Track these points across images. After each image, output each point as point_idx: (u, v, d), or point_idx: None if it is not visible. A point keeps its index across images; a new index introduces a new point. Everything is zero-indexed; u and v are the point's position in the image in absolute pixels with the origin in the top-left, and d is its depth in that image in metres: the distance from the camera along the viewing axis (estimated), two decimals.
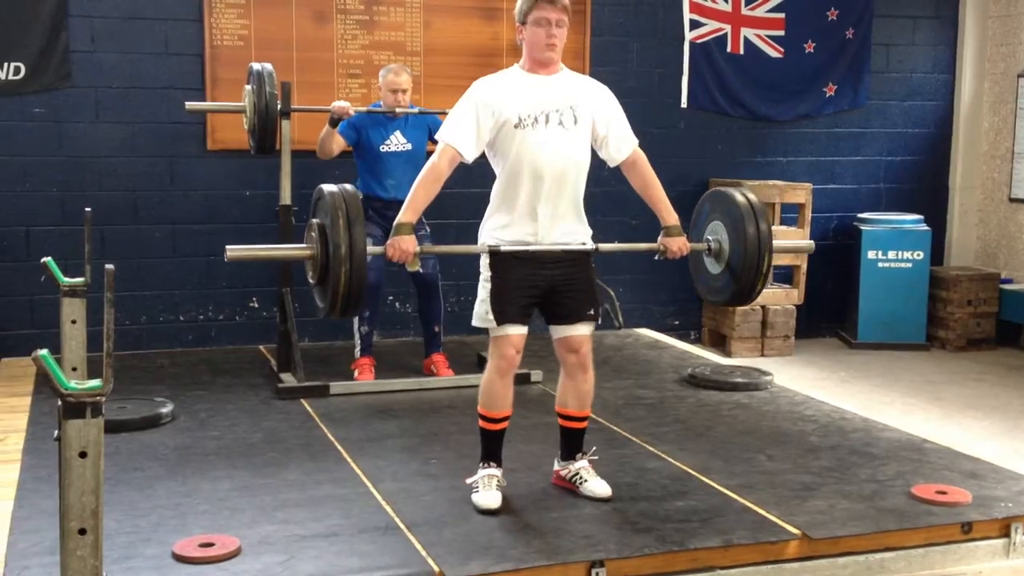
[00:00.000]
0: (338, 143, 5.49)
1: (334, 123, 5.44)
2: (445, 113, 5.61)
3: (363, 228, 3.32)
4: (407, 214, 3.53)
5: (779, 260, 7.61)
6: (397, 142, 5.52)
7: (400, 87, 5.50)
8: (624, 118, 3.78)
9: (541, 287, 3.62)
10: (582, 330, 3.69)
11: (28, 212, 6.31)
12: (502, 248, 3.58)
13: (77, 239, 4.49)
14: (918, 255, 7.76)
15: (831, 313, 8.09)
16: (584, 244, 3.68)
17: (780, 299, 7.58)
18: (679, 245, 3.79)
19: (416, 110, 5.64)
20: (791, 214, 7.71)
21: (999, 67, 8.20)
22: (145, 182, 6.50)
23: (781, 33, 7.76)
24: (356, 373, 5.50)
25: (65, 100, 6.32)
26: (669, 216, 3.80)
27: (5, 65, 6.16)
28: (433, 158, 3.59)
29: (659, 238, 3.82)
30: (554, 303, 3.67)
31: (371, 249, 3.40)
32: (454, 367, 5.63)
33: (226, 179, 6.61)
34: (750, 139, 7.82)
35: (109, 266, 2.37)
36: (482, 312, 3.60)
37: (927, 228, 7.83)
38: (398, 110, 5.49)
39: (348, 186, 3.49)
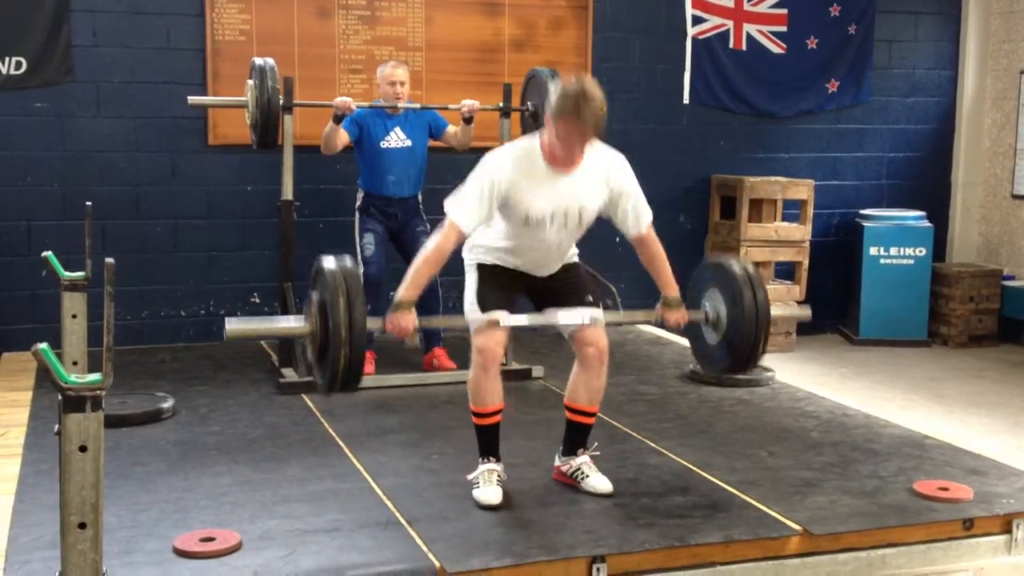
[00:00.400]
0: (342, 139, 5.49)
1: (338, 120, 5.44)
2: (445, 108, 5.66)
3: (363, 307, 3.27)
4: (408, 291, 3.48)
5: (781, 256, 7.61)
6: (397, 138, 5.53)
7: (398, 79, 5.52)
8: (639, 196, 3.70)
9: (529, 286, 3.74)
10: (589, 320, 3.69)
11: (29, 207, 6.30)
12: (488, 263, 3.68)
13: (78, 234, 4.49)
14: (920, 251, 7.75)
15: (833, 309, 8.08)
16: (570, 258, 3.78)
17: (782, 295, 7.57)
18: (677, 317, 3.77)
19: (417, 106, 5.64)
20: (793, 210, 7.70)
21: (1002, 63, 8.19)
22: (147, 177, 6.50)
23: (783, 29, 7.75)
24: None
25: (67, 95, 6.31)
26: (670, 289, 3.78)
27: (7, 59, 6.16)
28: (439, 237, 3.52)
29: (657, 307, 3.80)
30: (547, 295, 3.74)
31: (371, 323, 3.35)
32: (456, 361, 5.62)
33: (227, 174, 6.61)
34: (752, 135, 7.81)
35: (109, 260, 2.37)
36: (468, 306, 3.67)
37: (929, 224, 7.82)
38: (399, 104, 5.49)
39: (348, 261, 3.39)
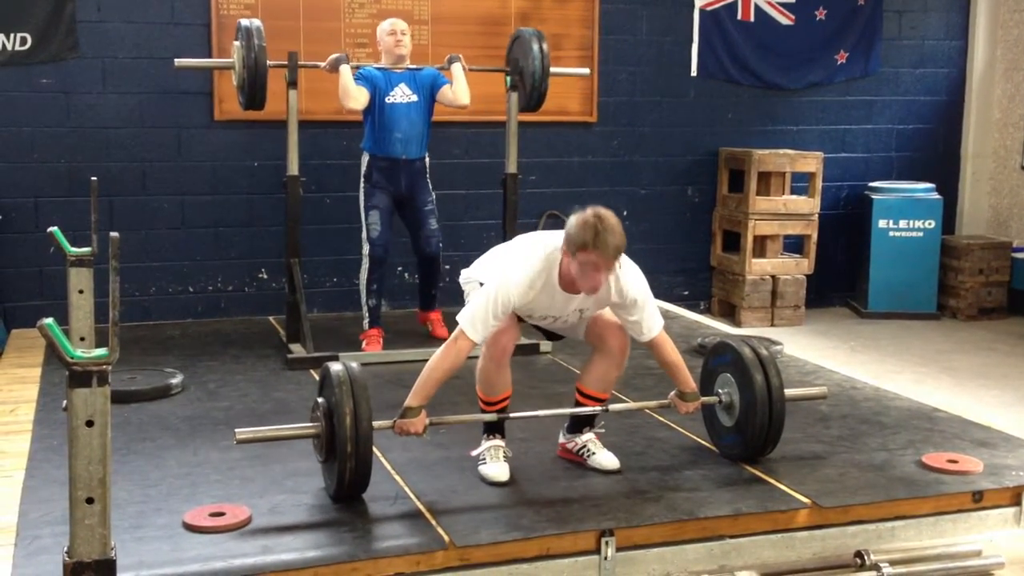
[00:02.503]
0: (360, 91, 5.39)
1: (333, 67, 5.40)
2: (446, 68, 5.60)
3: (369, 415, 3.29)
4: (417, 399, 3.50)
5: (789, 229, 7.58)
6: (402, 93, 5.49)
7: (398, 28, 5.53)
8: (648, 305, 3.61)
9: None
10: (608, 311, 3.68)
11: (36, 183, 6.30)
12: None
13: (85, 210, 4.48)
14: (929, 224, 7.71)
15: (841, 282, 8.07)
16: None
17: (790, 268, 7.55)
18: (689, 408, 3.77)
19: (417, 67, 5.61)
20: (802, 183, 7.67)
21: (1012, 33, 8.11)
22: (153, 153, 6.49)
23: (792, 0, 7.68)
24: (364, 344, 5.51)
25: (72, 70, 6.29)
26: (686, 386, 3.75)
27: (11, 35, 6.14)
28: (452, 351, 3.47)
29: (671, 396, 3.79)
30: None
31: (377, 425, 3.35)
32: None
33: (234, 150, 6.59)
34: (761, 107, 7.77)
35: (114, 234, 2.36)
36: (477, 294, 3.63)
37: (938, 197, 7.78)
38: (402, 52, 5.49)
39: (354, 366, 3.42)
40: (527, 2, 7.01)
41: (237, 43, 5.32)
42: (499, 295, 3.44)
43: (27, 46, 6.18)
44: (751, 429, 3.69)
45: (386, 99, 5.45)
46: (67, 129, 6.32)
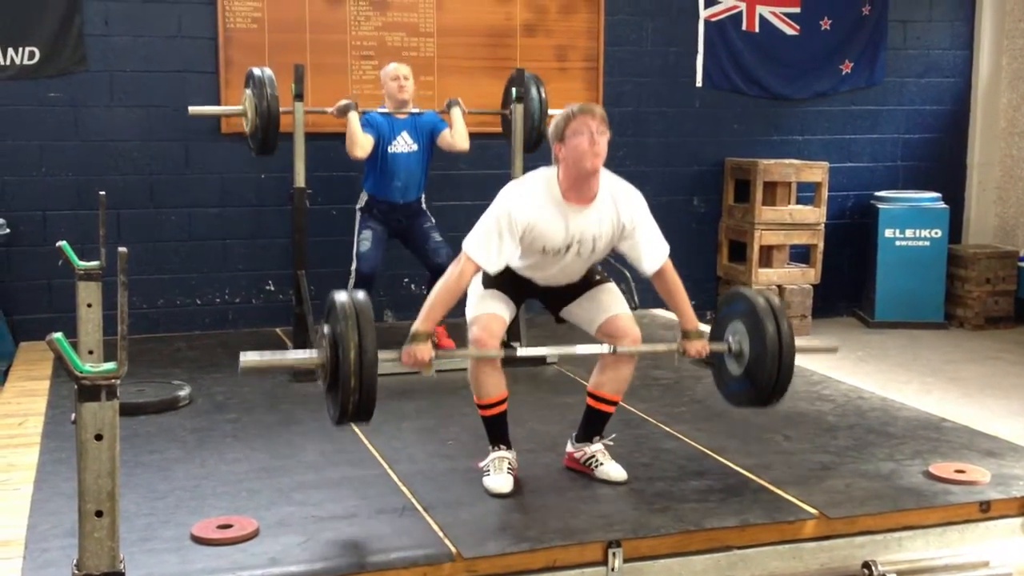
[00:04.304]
0: (367, 138, 5.48)
1: (342, 113, 5.50)
2: (445, 112, 5.66)
3: (375, 337, 3.26)
4: (424, 324, 3.49)
5: (795, 239, 7.58)
6: (404, 143, 5.59)
7: (401, 74, 5.62)
8: (653, 230, 3.66)
9: (537, 290, 3.74)
10: (617, 307, 3.67)
11: (44, 196, 6.33)
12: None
13: (93, 223, 4.50)
14: (936, 233, 7.71)
15: (848, 292, 8.06)
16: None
17: (797, 278, 7.55)
18: (699, 348, 3.72)
19: (418, 110, 5.68)
20: (807, 193, 7.67)
21: (1017, 43, 8.12)
22: (160, 166, 6.52)
23: (797, 10, 7.70)
24: None
25: (80, 84, 6.32)
26: (690, 323, 3.73)
27: (20, 49, 6.17)
28: (455, 270, 3.52)
29: (679, 340, 3.75)
30: (559, 298, 3.73)
31: (383, 356, 3.34)
32: (455, 340, 5.63)
33: (241, 162, 6.61)
34: (766, 118, 7.78)
35: (122, 249, 2.37)
36: (471, 294, 3.69)
37: (945, 206, 7.78)
38: (405, 97, 5.56)
39: (361, 294, 3.40)
40: (532, 14, 7.03)
41: (248, 91, 5.41)
42: (502, 213, 3.48)
43: (35, 60, 6.21)
44: (760, 378, 3.62)
45: (388, 148, 5.56)
46: (75, 143, 6.35)
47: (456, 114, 5.62)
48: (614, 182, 3.63)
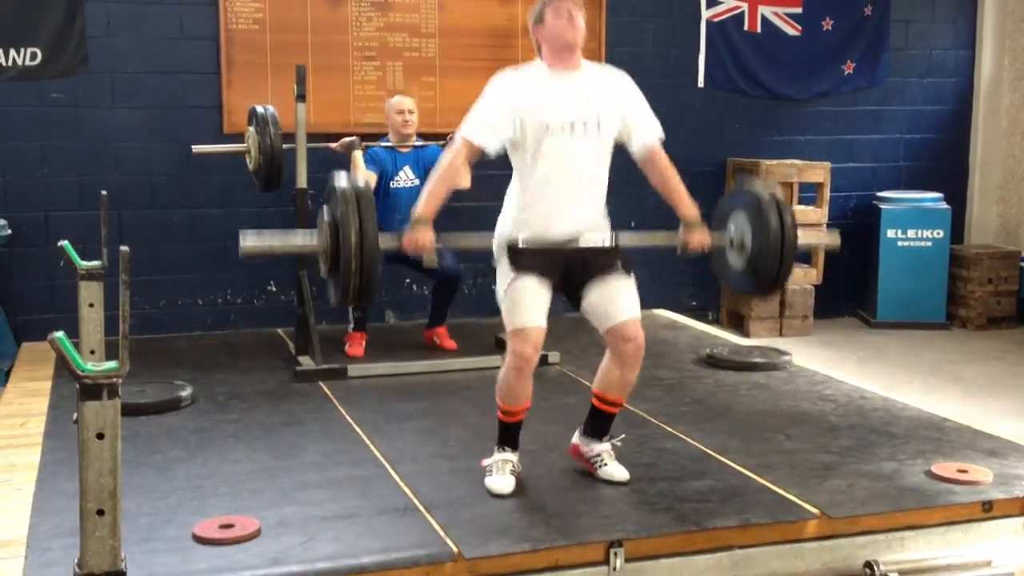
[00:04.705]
0: (370, 179, 5.52)
1: (345, 150, 5.63)
2: (446, 144, 5.67)
3: (375, 220, 3.27)
4: (425, 207, 3.48)
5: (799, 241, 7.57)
6: (406, 177, 5.64)
7: (405, 107, 5.67)
8: (647, 109, 3.71)
9: (561, 271, 3.57)
10: (629, 306, 3.58)
11: (46, 197, 6.34)
12: (521, 245, 3.52)
13: (95, 224, 4.50)
14: (938, 233, 7.71)
15: (850, 293, 8.06)
16: (604, 242, 3.61)
17: (798, 278, 7.54)
18: (700, 238, 3.70)
19: (421, 143, 5.71)
20: (810, 193, 7.67)
21: (1020, 43, 8.12)
22: (162, 166, 6.52)
23: (799, 11, 7.70)
24: (347, 346, 5.62)
25: (82, 85, 6.33)
26: (688, 211, 3.71)
27: (22, 51, 6.18)
28: (450, 152, 3.55)
29: (679, 232, 3.72)
30: (575, 272, 3.59)
31: (386, 240, 3.35)
32: (473, 349, 5.64)
33: (242, 163, 6.59)
34: (768, 118, 7.78)
35: (124, 248, 2.37)
36: (502, 300, 3.57)
37: (947, 206, 7.78)
38: (408, 131, 5.63)
39: (360, 179, 3.44)
40: None
41: (251, 128, 5.48)
42: (490, 88, 3.54)
43: (37, 61, 6.22)
44: (762, 271, 3.63)
45: (391, 183, 5.61)
46: (77, 143, 6.36)
47: None
48: (601, 65, 3.75)
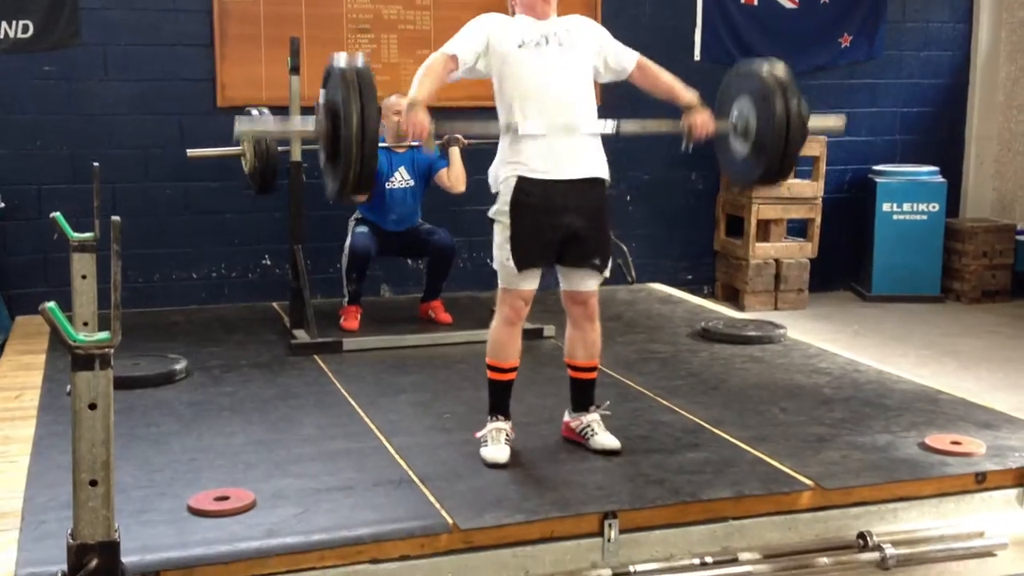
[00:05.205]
0: None
1: None
2: (444, 144, 5.66)
3: (376, 105, 3.18)
4: (420, 91, 3.47)
5: (793, 213, 7.56)
6: (401, 178, 5.62)
7: (403, 108, 5.57)
8: (618, 42, 3.79)
9: (558, 235, 3.58)
10: (589, 284, 3.68)
11: (39, 170, 6.31)
12: (520, 173, 3.53)
13: (88, 197, 4.48)
14: (933, 207, 7.70)
15: (845, 266, 8.05)
16: (602, 173, 3.65)
17: (794, 252, 7.54)
18: (703, 120, 3.68)
19: (418, 143, 5.67)
20: (806, 167, 7.65)
21: (1017, 16, 8.08)
22: (156, 139, 6.49)
23: None
24: (342, 319, 5.61)
25: (74, 58, 6.29)
26: (686, 95, 3.75)
27: (14, 23, 6.13)
28: (429, 60, 3.58)
29: (682, 119, 3.71)
30: (567, 248, 3.62)
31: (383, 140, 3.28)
32: (468, 323, 5.64)
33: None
34: None
35: (115, 218, 2.36)
36: (503, 258, 3.60)
37: (943, 180, 7.76)
38: (403, 133, 5.53)
39: (360, 60, 3.27)
40: None
41: None
42: (475, 20, 3.63)
43: (29, 33, 6.17)
44: (768, 157, 3.59)
45: (386, 184, 5.57)
46: (69, 116, 6.33)
47: (455, 155, 5.62)
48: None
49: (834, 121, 3.90)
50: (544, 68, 3.56)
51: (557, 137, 3.54)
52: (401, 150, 5.63)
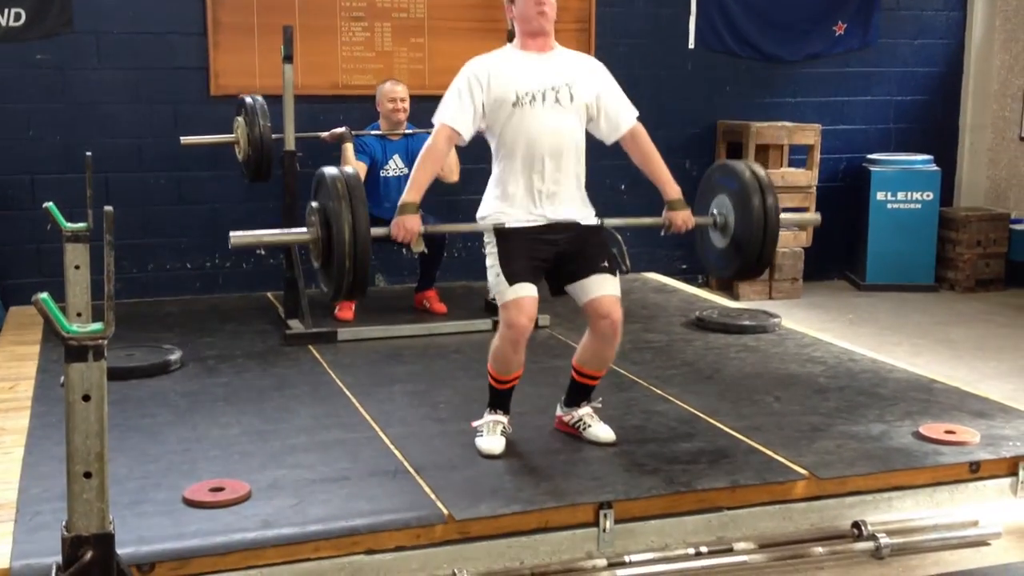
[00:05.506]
0: (359, 167, 5.49)
1: (335, 141, 5.65)
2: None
3: (366, 213, 3.30)
4: (411, 194, 3.52)
5: (787, 202, 7.56)
6: (396, 166, 5.65)
7: (398, 95, 5.67)
8: (621, 92, 3.70)
9: (549, 253, 3.58)
10: (607, 288, 3.57)
11: (32, 160, 6.28)
12: (507, 225, 3.54)
13: (81, 186, 4.47)
14: (927, 196, 7.70)
15: (839, 255, 8.05)
16: (588, 222, 3.64)
17: (788, 241, 7.54)
18: (683, 218, 3.74)
19: (412, 130, 5.68)
20: (800, 155, 7.65)
21: (1011, 4, 8.07)
22: (149, 128, 6.46)
23: None
24: (336, 310, 5.61)
25: (67, 46, 6.25)
26: (672, 190, 3.75)
27: (6, 11, 6.10)
28: (430, 140, 3.58)
29: (664, 213, 3.76)
30: (565, 264, 3.60)
31: (375, 231, 3.36)
32: (462, 313, 5.64)
33: (230, 125, 6.55)
34: (759, 80, 7.73)
35: (108, 208, 2.35)
36: (493, 276, 3.56)
37: (937, 168, 7.76)
38: (399, 118, 5.65)
39: (349, 168, 3.47)
40: None
41: (240, 119, 5.50)
42: (463, 73, 3.57)
43: (21, 21, 6.14)
44: (746, 252, 3.70)
45: (381, 172, 5.61)
46: (62, 105, 6.29)
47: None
48: (575, 52, 3.73)
49: (811, 217, 4.07)
50: (536, 128, 3.52)
51: (541, 192, 3.55)
52: (395, 138, 5.63)
